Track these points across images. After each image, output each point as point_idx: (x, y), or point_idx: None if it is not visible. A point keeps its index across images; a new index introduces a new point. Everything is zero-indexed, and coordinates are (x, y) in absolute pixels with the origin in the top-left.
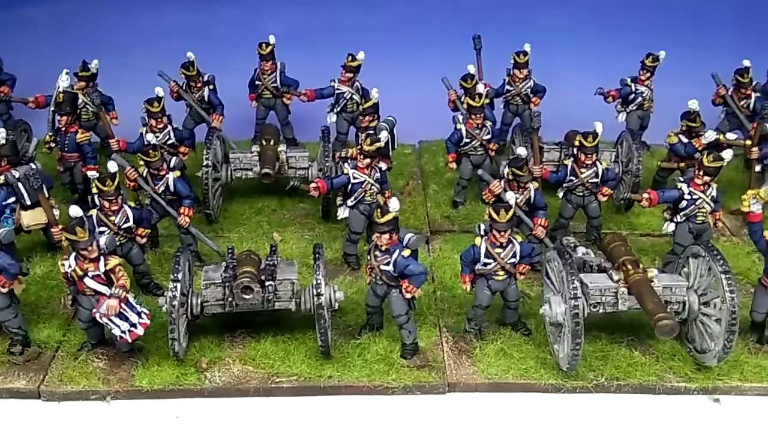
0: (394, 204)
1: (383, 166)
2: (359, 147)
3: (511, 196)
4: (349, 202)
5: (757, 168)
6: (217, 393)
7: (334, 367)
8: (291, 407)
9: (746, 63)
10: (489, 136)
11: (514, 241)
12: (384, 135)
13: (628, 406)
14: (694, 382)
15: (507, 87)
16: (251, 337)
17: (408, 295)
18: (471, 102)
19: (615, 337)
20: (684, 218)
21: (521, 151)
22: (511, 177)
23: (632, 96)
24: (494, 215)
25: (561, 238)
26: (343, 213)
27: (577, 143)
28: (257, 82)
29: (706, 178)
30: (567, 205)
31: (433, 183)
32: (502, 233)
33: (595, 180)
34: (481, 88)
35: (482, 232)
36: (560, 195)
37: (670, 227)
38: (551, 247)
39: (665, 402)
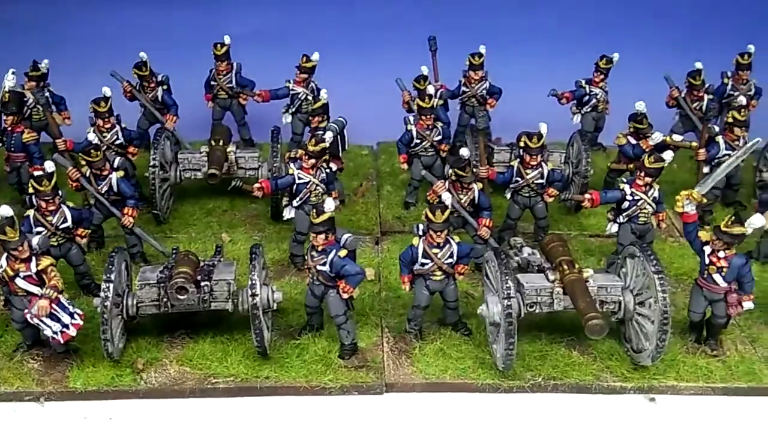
0: (329, 204)
1: (333, 166)
2: (304, 147)
3: (447, 197)
4: (295, 203)
5: (705, 169)
6: (152, 394)
7: (272, 367)
8: (227, 408)
9: (698, 65)
10: (440, 137)
11: (451, 241)
12: (329, 135)
13: (564, 405)
14: (630, 382)
15: (462, 88)
16: (190, 338)
17: (345, 296)
18: (420, 103)
19: (555, 337)
20: (626, 219)
21: (464, 151)
22: (454, 178)
23: (586, 98)
24: (430, 215)
25: (509, 238)
26: (288, 213)
27: (522, 144)
28: (212, 83)
29: (648, 179)
30: (514, 206)
31: (388, 184)
32: (439, 233)
33: (540, 181)
34: (431, 89)
35: (420, 233)
36: (508, 196)
37: (614, 228)
38: (492, 247)
39: (601, 401)
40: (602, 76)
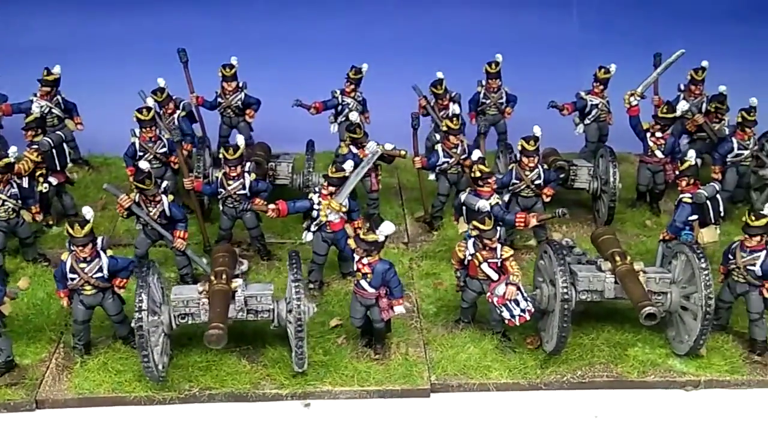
0: None
1: (54, 180)
2: None
3: (87, 211)
4: None
5: (431, 176)
6: None
7: None
8: None
9: (439, 75)
10: (164, 149)
11: (102, 255)
12: (12, 150)
13: (219, 415)
14: (286, 388)
15: (218, 99)
16: None
17: None
18: (139, 115)
19: (229, 347)
20: (317, 228)
21: (142, 164)
22: (137, 191)
23: (340, 107)
24: (70, 230)
25: None
26: None
27: (221, 156)
28: None
29: (331, 189)
30: (223, 217)
31: None
32: (82, 248)
33: (243, 192)
34: (150, 101)
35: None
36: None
37: (309, 236)
38: (194, 259)
39: (258, 409)
40: (352, 86)
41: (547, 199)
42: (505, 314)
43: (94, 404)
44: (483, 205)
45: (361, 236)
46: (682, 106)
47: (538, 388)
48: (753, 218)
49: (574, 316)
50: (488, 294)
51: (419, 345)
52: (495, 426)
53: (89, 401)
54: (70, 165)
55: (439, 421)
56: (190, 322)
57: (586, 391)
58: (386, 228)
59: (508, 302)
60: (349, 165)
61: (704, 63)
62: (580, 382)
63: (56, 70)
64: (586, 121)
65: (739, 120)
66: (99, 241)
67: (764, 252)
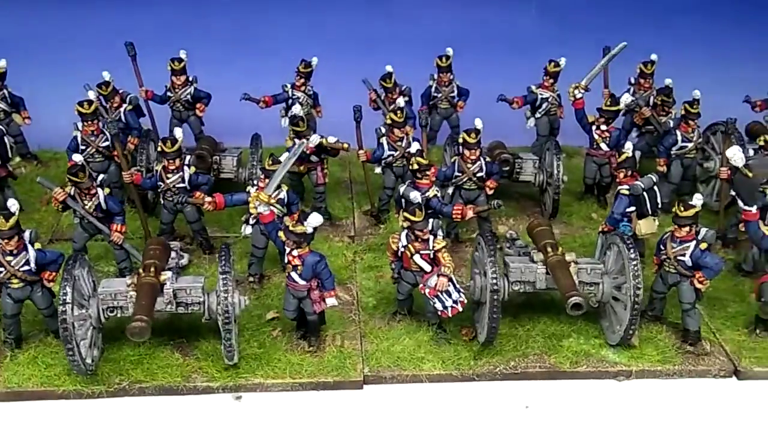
0: None
1: None
2: None
3: (12, 204)
4: None
5: (377, 170)
6: None
7: None
8: None
9: (388, 68)
10: (107, 143)
11: (29, 248)
12: None
13: (149, 408)
14: (217, 381)
15: (168, 93)
16: None
17: None
18: (80, 109)
19: (163, 340)
20: (255, 221)
21: (77, 157)
22: (71, 183)
23: (290, 101)
24: None
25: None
26: None
27: (160, 149)
28: None
29: (267, 181)
30: (163, 211)
31: None
32: (7, 241)
33: (182, 185)
34: (91, 95)
35: None
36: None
37: (248, 230)
38: (133, 253)
39: (188, 402)
40: (303, 80)
41: (490, 192)
42: (438, 306)
43: (23, 398)
44: (414, 196)
45: (290, 228)
46: (626, 99)
47: (470, 379)
48: (682, 208)
49: (511, 307)
50: (421, 285)
51: (355, 337)
52: (426, 417)
53: (17, 395)
54: (17, 160)
55: (371, 413)
56: (119, 315)
57: (518, 382)
58: (314, 220)
59: (439, 293)
60: (284, 158)
61: (653, 56)
62: (513, 373)
63: (1, 63)
64: (537, 115)
65: (683, 113)
66: (26, 234)
67: (693, 242)
